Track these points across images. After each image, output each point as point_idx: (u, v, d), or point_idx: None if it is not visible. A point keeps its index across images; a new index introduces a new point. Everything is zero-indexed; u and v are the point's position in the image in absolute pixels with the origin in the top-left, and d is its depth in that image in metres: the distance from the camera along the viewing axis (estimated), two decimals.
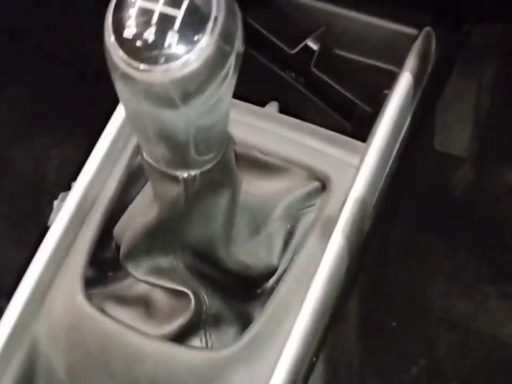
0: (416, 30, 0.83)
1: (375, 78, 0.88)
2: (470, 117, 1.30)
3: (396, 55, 0.81)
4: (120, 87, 0.40)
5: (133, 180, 0.62)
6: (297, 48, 0.79)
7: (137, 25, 0.38)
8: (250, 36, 0.83)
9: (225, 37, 0.39)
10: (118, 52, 0.38)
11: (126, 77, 0.38)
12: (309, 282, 0.56)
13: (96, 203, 0.62)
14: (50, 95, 1.31)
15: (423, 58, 0.74)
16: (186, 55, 0.38)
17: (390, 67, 0.86)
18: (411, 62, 0.70)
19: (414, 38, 0.81)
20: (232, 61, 0.40)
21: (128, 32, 0.37)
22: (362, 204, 0.61)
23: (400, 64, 0.76)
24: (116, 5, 0.39)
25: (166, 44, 0.37)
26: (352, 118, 0.82)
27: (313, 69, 0.79)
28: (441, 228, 1.28)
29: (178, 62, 0.37)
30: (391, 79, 0.77)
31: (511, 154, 1.29)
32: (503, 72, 1.27)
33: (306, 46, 0.79)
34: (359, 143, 0.65)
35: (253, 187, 0.62)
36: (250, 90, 0.85)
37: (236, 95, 0.83)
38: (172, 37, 0.37)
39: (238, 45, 0.40)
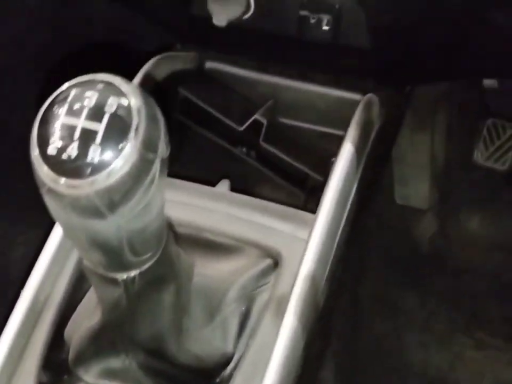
0: (360, 95, 0.86)
1: (324, 145, 0.89)
2: (427, 168, 1.33)
3: (343, 120, 0.84)
4: (47, 200, 0.41)
5: (84, 277, 0.61)
6: (246, 124, 0.80)
7: (61, 141, 0.39)
8: (199, 116, 0.86)
9: (148, 145, 0.40)
10: (43, 167, 0.39)
11: (51, 192, 0.39)
12: (265, 368, 0.55)
13: (48, 303, 0.61)
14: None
15: (364, 125, 0.76)
16: (110, 167, 0.38)
17: (338, 132, 0.88)
18: (352, 131, 0.72)
19: (359, 103, 0.84)
20: (157, 166, 0.40)
21: (52, 148, 0.39)
22: (313, 280, 0.61)
23: (347, 128, 0.78)
24: (40, 120, 0.40)
25: (89, 158, 0.38)
26: (305, 187, 0.83)
27: (262, 143, 0.81)
28: (410, 279, 1.29)
29: (102, 174, 0.38)
30: (339, 144, 0.79)
31: (470, 201, 1.31)
32: (454, 121, 1.31)
33: (255, 121, 0.81)
34: (308, 215, 0.66)
35: (207, 269, 0.62)
36: (202, 168, 0.87)
37: (187, 175, 0.86)
38: (94, 151, 0.38)
39: (162, 150, 0.41)
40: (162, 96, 0.81)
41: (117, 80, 0.40)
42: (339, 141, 0.82)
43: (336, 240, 0.67)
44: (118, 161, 0.38)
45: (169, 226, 0.51)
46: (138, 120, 0.39)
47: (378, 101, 0.85)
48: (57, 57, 1.24)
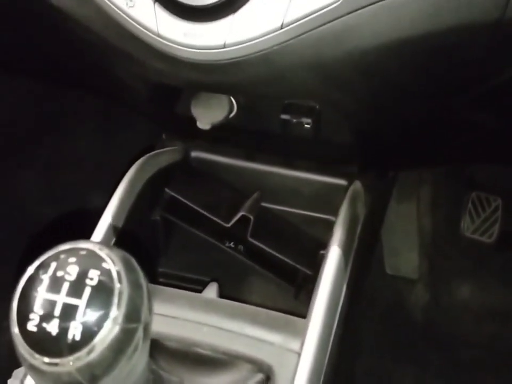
0: (345, 180, 0.87)
1: (311, 230, 0.90)
2: (415, 238, 1.34)
3: (330, 205, 0.84)
4: (29, 373, 0.40)
5: None
6: (233, 221, 0.81)
7: (41, 318, 0.38)
8: (186, 214, 0.86)
9: (130, 316, 0.39)
10: (23, 345, 0.38)
11: (33, 367, 0.38)
12: None
13: None
14: None
15: (350, 217, 0.77)
16: (91, 343, 0.38)
17: (325, 216, 0.88)
18: (338, 228, 0.72)
19: (345, 188, 0.85)
20: (140, 334, 0.40)
21: (32, 325, 0.38)
22: None
23: (334, 212, 0.79)
24: (20, 295, 0.39)
25: (70, 335, 0.38)
26: (294, 280, 0.83)
27: (250, 239, 0.81)
28: (406, 351, 1.28)
29: (83, 351, 0.38)
30: (326, 229, 0.79)
31: (460, 270, 1.32)
32: (440, 192, 1.33)
33: (242, 217, 0.81)
34: (300, 322, 0.66)
35: None
36: (190, 263, 0.87)
37: (175, 272, 0.86)
38: (75, 328, 0.38)
39: (145, 316, 0.41)
40: (149, 196, 0.82)
41: (97, 249, 0.40)
42: (326, 225, 0.82)
43: (330, 346, 0.66)
44: (99, 336, 0.38)
45: (153, 371, 0.50)
46: (120, 291, 0.39)
47: (363, 188, 0.86)
48: None
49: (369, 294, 1.29)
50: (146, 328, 0.41)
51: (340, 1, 0.54)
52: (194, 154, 0.91)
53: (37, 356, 0.38)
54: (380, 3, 0.55)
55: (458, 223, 1.27)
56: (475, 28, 0.57)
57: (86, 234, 0.72)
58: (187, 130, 0.82)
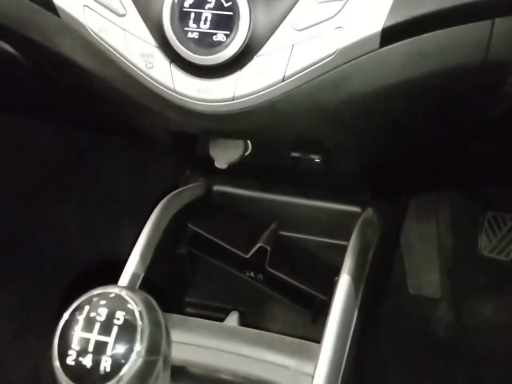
0: (358, 207, 0.92)
1: (327, 256, 0.94)
2: (436, 257, 1.37)
3: (344, 231, 0.89)
4: None
5: None
6: (251, 252, 0.86)
7: (77, 353, 0.46)
8: (208, 247, 0.92)
9: (152, 350, 0.46)
10: (64, 376, 0.45)
11: None
12: None
13: None
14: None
15: (361, 246, 0.81)
16: (119, 374, 0.45)
17: (340, 242, 0.93)
18: (347, 261, 0.77)
19: (359, 214, 0.89)
20: (160, 365, 0.47)
21: (70, 359, 0.46)
22: None
23: (349, 238, 0.83)
24: (60, 333, 0.47)
25: (101, 368, 0.45)
26: (311, 307, 0.88)
27: (268, 268, 0.87)
28: (430, 369, 1.30)
29: (113, 381, 0.45)
30: (343, 255, 0.83)
31: (482, 287, 1.34)
32: (458, 211, 1.36)
33: (260, 248, 0.87)
34: (314, 346, 0.70)
35: None
36: (213, 293, 0.93)
37: (199, 302, 0.92)
38: (105, 361, 0.45)
39: (165, 349, 0.47)
40: (174, 232, 0.88)
41: (123, 293, 0.47)
42: (342, 251, 0.87)
43: (342, 368, 0.70)
44: (125, 368, 0.45)
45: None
46: (142, 329, 0.46)
47: (375, 215, 0.90)
48: None
49: (393, 314, 1.33)
50: (165, 360, 0.47)
51: (335, 55, 0.60)
52: (216, 188, 0.97)
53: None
54: (371, 53, 0.61)
55: (476, 242, 1.29)
56: (460, 70, 0.62)
57: (118, 268, 0.79)
58: (208, 168, 0.88)
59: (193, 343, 0.69)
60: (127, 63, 0.65)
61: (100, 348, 0.45)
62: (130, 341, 0.46)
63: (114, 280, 0.75)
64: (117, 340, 0.46)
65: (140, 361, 0.45)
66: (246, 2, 0.60)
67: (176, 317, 0.72)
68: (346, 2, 0.59)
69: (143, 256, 0.78)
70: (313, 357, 0.68)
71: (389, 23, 0.58)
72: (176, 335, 0.64)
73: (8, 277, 1.41)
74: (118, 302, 0.47)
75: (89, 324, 0.46)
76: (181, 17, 0.61)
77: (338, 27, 0.59)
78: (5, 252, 1.43)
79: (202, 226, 0.89)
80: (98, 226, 1.48)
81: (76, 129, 1.17)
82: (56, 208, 1.51)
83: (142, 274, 0.77)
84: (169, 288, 0.87)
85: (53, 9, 0.67)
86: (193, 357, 0.68)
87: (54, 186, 1.53)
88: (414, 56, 0.61)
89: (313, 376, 0.66)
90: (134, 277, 0.76)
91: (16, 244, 1.46)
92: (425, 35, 0.60)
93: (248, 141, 0.81)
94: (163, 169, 1.33)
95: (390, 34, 0.59)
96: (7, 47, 0.77)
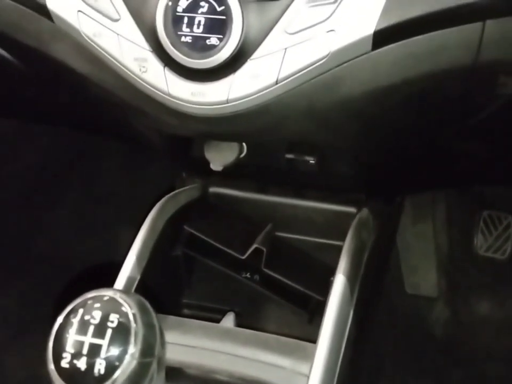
0: (354, 207, 0.92)
1: (323, 257, 0.95)
2: (433, 256, 1.38)
3: (339, 231, 0.89)
4: None
5: None
6: (247, 253, 0.87)
7: (72, 356, 0.46)
8: (204, 248, 0.93)
9: (145, 352, 0.47)
10: (58, 379, 0.46)
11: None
12: None
13: None
14: None
15: (356, 247, 0.82)
16: (113, 377, 0.46)
17: (335, 242, 0.93)
18: (343, 262, 0.77)
19: (354, 215, 0.90)
20: (154, 367, 0.47)
21: (65, 362, 0.46)
22: None
23: (345, 239, 0.83)
24: (54, 336, 0.47)
25: (96, 370, 0.46)
26: (307, 307, 0.88)
27: (264, 269, 0.87)
28: (428, 367, 1.31)
29: (107, 382, 0.45)
30: (339, 255, 0.84)
31: (478, 285, 1.34)
32: (452, 210, 1.37)
33: (256, 249, 0.87)
34: (309, 346, 0.71)
35: None
36: (210, 294, 0.93)
37: (196, 303, 0.92)
38: (100, 364, 0.46)
39: (159, 351, 0.48)
40: (170, 234, 0.88)
41: (117, 296, 0.48)
42: (338, 252, 0.87)
43: (338, 368, 0.71)
44: (119, 370, 0.46)
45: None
46: (135, 331, 0.46)
47: (370, 215, 0.91)
48: None
49: (390, 313, 1.33)
50: (160, 362, 0.48)
51: (327, 58, 0.61)
52: (211, 190, 0.98)
53: None
54: (363, 56, 0.61)
55: (472, 241, 1.30)
56: (451, 71, 0.62)
57: (115, 270, 0.79)
58: (203, 170, 0.88)
59: (189, 344, 0.70)
60: (121, 67, 0.66)
61: (94, 350, 0.46)
62: (124, 344, 0.46)
63: (110, 282, 0.76)
64: (111, 343, 0.46)
65: (134, 363, 0.46)
66: (239, 7, 0.60)
67: (172, 318, 0.73)
68: (338, 6, 0.59)
69: (139, 258, 0.79)
70: (308, 357, 0.68)
71: (381, 26, 0.59)
72: (172, 337, 0.64)
73: (5, 278, 1.42)
74: (112, 305, 0.47)
75: (83, 327, 0.47)
76: (174, 21, 0.62)
77: (331, 30, 0.60)
78: (1, 254, 1.44)
79: (198, 228, 0.90)
80: (94, 228, 1.49)
81: (72, 132, 1.18)
82: (52, 210, 1.52)
83: (138, 277, 0.78)
84: (166, 290, 0.88)
85: (47, 14, 0.68)
86: (189, 358, 0.69)
87: (50, 189, 1.53)
88: (406, 58, 0.61)
89: (308, 376, 0.67)
90: (130, 279, 0.76)
91: (13, 245, 1.46)
92: (416, 37, 0.60)
93: (243, 143, 0.81)
94: (159, 171, 1.33)
95: (382, 37, 0.60)
96: (2, 52, 0.78)
